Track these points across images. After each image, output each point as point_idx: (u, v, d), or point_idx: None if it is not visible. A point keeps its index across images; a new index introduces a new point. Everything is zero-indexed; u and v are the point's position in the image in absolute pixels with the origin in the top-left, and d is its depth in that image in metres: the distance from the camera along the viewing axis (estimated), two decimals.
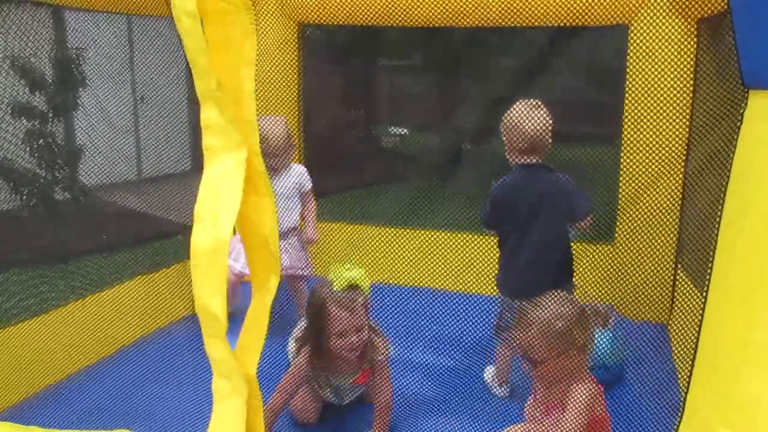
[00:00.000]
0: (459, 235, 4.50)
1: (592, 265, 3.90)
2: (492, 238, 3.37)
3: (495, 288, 3.32)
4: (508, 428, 2.70)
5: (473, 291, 3.84)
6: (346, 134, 7.82)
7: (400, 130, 8.28)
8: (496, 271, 3.30)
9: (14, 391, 3.18)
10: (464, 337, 3.46)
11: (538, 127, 3.06)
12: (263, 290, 1.78)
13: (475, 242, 4.18)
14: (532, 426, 2.64)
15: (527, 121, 3.06)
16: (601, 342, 3.22)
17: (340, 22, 4.69)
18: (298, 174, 3.89)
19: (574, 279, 3.27)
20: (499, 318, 3.28)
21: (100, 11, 4.14)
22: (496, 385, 3.44)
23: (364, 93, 8.19)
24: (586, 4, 3.71)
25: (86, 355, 3.65)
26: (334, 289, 2.84)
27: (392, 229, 4.78)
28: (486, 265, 3.51)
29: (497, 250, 3.30)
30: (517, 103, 3.17)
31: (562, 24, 3.95)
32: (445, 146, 7.16)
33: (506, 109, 3.28)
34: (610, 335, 3.35)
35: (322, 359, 2.94)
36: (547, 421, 2.54)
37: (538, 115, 3.08)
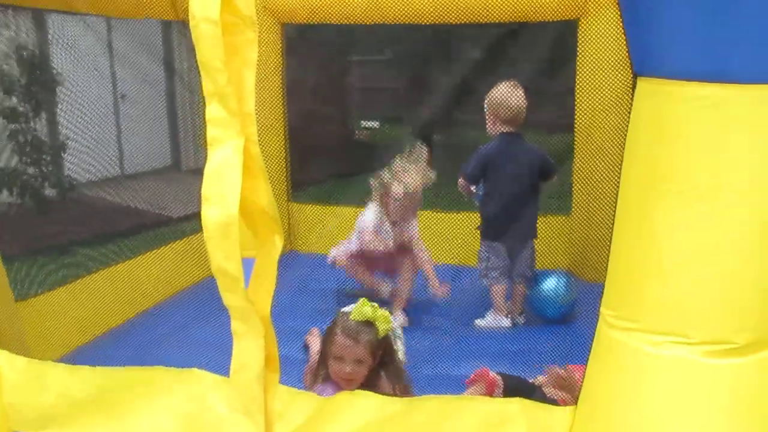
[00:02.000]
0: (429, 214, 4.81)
1: (553, 233, 4.34)
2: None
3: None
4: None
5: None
6: (325, 128, 8.12)
7: (371, 123, 8.61)
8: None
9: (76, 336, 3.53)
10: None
11: (520, 102, 3.85)
12: (269, 248, 2.11)
13: (443, 219, 4.57)
14: None
15: (512, 97, 3.83)
16: (560, 284, 3.91)
17: (322, 21, 5.01)
18: (411, 229, 4.11)
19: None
20: (486, 261, 3.96)
21: (84, 14, 4.38)
22: (500, 320, 3.98)
23: (338, 88, 8.49)
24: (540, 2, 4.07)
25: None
26: (350, 318, 2.97)
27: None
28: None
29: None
30: (501, 83, 3.88)
31: (518, 20, 4.32)
32: (415, 137, 7.49)
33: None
34: (566, 279, 3.97)
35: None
36: None
37: (520, 93, 3.83)
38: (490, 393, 2.89)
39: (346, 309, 3.11)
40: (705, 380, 1.87)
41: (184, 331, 3.66)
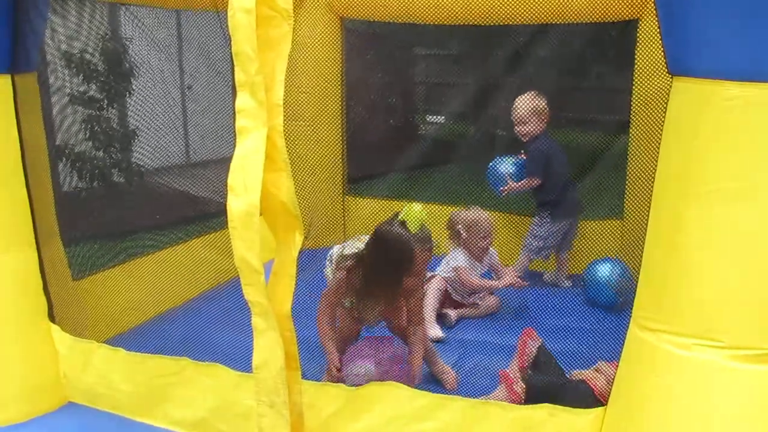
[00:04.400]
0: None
1: (606, 238, 4.35)
2: None
3: None
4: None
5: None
6: (385, 122, 8.10)
7: (437, 118, 8.57)
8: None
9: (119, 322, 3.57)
10: None
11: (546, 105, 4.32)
12: (289, 245, 2.14)
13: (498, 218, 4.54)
14: None
15: (543, 101, 4.29)
16: (615, 271, 3.98)
17: (380, 18, 5.03)
18: (490, 255, 4.18)
19: None
20: (544, 240, 4.33)
21: (151, 6, 4.50)
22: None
23: (403, 82, 8.46)
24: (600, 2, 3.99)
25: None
26: (411, 230, 2.93)
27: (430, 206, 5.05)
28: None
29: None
30: (527, 94, 4.30)
31: (580, 20, 4.25)
32: (479, 133, 7.46)
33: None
34: (622, 267, 4.00)
35: (366, 285, 3.01)
36: None
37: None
38: (513, 398, 2.81)
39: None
40: (733, 384, 1.85)
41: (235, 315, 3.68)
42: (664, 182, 1.93)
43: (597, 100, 4.71)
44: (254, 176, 1.95)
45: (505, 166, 4.44)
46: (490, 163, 4.57)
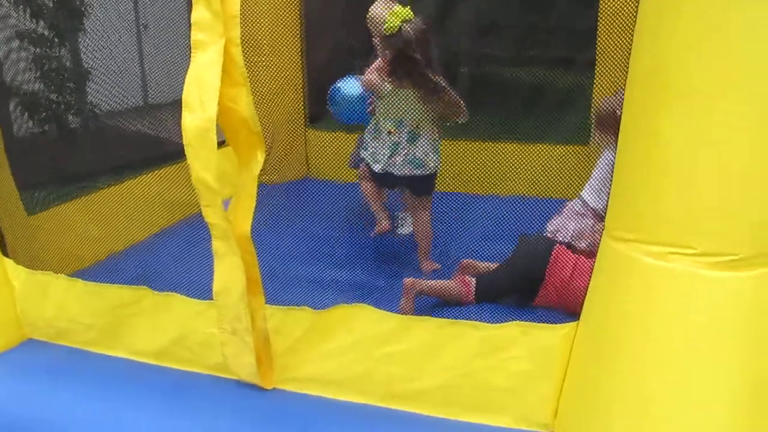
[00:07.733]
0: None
1: (571, 163, 4.28)
2: None
3: None
4: None
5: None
6: (347, 62, 7.96)
7: None
8: None
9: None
10: None
11: None
12: (250, 164, 2.07)
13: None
14: None
15: None
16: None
17: None
18: None
19: None
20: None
21: None
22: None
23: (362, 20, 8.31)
24: None
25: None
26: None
27: None
28: None
29: None
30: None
31: None
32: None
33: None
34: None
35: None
36: None
37: None
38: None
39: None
40: (706, 292, 1.82)
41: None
42: (634, 86, 1.84)
43: (562, 30, 4.60)
44: (210, 91, 1.87)
45: (354, 87, 4.01)
46: (335, 85, 4.13)
